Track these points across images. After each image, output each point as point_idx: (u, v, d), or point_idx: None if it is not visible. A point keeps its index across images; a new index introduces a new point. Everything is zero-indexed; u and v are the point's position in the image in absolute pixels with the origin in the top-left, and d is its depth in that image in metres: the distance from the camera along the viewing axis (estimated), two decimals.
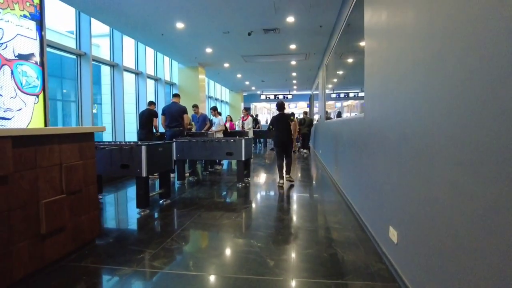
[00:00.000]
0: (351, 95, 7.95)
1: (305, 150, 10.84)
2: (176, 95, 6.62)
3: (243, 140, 5.36)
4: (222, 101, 16.89)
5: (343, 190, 4.59)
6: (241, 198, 4.62)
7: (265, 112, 29.62)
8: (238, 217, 3.61)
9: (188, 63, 9.72)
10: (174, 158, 5.71)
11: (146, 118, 6.59)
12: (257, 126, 15.53)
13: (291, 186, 5.44)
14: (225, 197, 4.67)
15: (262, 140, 15.59)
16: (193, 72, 9.87)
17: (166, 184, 4.33)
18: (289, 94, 18.44)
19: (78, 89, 5.64)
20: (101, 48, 7.22)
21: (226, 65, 10.16)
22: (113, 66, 6.68)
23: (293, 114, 10.87)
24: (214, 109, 7.75)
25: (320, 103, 9.60)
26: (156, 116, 6.61)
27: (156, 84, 8.86)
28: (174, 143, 5.66)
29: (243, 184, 5.48)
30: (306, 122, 10.69)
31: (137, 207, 3.83)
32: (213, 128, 7.92)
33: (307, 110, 20.30)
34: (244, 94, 19.56)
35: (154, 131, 6.87)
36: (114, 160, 3.83)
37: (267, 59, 9.27)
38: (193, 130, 8.15)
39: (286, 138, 5.47)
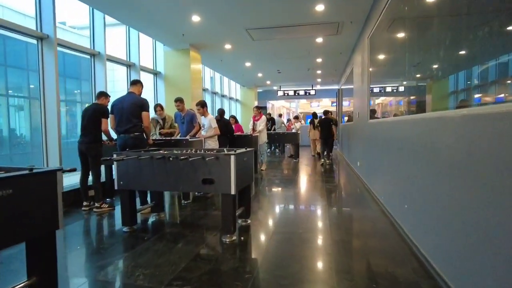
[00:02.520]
0: (387, 89, 5.36)
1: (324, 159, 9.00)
2: (135, 83, 4.33)
3: (232, 158, 2.95)
4: (231, 98, 14.58)
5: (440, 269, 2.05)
6: None
7: (284, 113, 27.00)
8: None
9: (175, 44, 7.43)
10: (116, 187, 3.40)
11: (90, 118, 4.36)
12: (272, 128, 13.08)
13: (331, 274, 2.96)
14: None
15: (279, 145, 13.13)
16: (183, 56, 7.58)
17: (39, 266, 1.98)
18: (312, 89, 15.82)
19: None
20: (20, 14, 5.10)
21: (228, 46, 7.80)
22: (40, 39, 4.46)
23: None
24: (202, 104, 5.39)
25: (360, 96, 7.05)
26: (107, 115, 4.34)
27: (128, 71, 6.64)
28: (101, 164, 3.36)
29: (233, 239, 3.06)
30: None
31: None
32: (202, 133, 5.57)
33: (333, 109, 17.82)
34: (258, 90, 17.14)
35: (105, 138, 4.61)
36: None
37: (282, 33, 6.82)
38: (177, 135, 5.85)
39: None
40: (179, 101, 5.60)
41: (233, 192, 2.97)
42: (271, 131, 11.72)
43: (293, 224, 3.65)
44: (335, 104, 20.82)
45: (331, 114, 10.81)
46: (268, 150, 13.87)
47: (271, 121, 13.02)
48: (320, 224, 3.65)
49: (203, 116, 5.54)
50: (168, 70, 7.73)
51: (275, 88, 16.74)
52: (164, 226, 3.59)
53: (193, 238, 3.16)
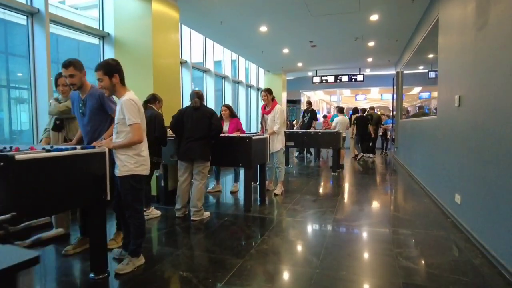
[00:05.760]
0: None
1: (370, 155, 9.69)
2: None
3: None
4: (250, 87, 11.50)
5: None
6: None
7: (323, 108, 23.23)
8: None
9: None
10: None
11: None
12: (311, 123, 9.08)
13: None
14: None
15: (312, 150, 9.81)
16: (143, 7, 4.65)
17: None
18: (359, 74, 12.14)
19: None
20: None
21: None
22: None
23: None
24: (106, 69, 2.36)
25: (467, 70, 3.61)
26: None
27: (29, 25, 3.82)
28: None
29: None
30: (374, 120, 9.81)
31: None
32: (114, 137, 2.55)
33: (383, 103, 14.63)
34: (288, 77, 13.83)
35: None
36: None
37: None
38: (78, 138, 2.92)
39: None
40: (72, 66, 2.64)
41: None
42: (309, 130, 8.29)
43: None
44: (394, 97, 16.43)
45: (374, 110, 9.94)
46: (297, 153, 10.57)
47: (310, 113, 9.23)
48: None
49: (115, 97, 2.54)
50: (120, 31, 4.84)
51: (309, 74, 13.35)
52: None
53: None
